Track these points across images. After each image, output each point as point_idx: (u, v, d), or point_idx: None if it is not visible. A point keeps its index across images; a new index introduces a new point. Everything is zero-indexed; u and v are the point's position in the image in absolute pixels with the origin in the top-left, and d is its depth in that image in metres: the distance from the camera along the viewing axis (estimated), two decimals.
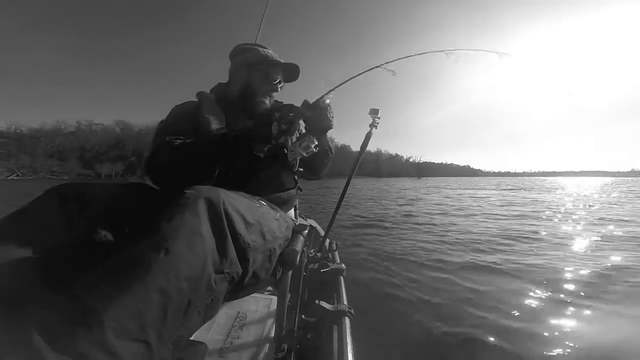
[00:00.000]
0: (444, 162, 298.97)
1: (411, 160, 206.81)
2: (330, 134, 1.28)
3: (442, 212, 8.35)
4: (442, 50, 1.12)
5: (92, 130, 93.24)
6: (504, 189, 22.98)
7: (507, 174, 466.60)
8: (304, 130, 1.05)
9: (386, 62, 1.10)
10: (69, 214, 0.73)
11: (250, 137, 1.00)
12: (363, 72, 1.13)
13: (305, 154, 1.03)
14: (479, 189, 24.41)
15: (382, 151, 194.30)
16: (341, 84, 1.08)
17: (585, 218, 7.13)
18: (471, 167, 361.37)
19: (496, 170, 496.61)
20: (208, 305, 0.63)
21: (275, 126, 0.98)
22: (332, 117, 1.15)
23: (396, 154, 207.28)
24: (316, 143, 1.05)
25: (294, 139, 1.00)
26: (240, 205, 0.77)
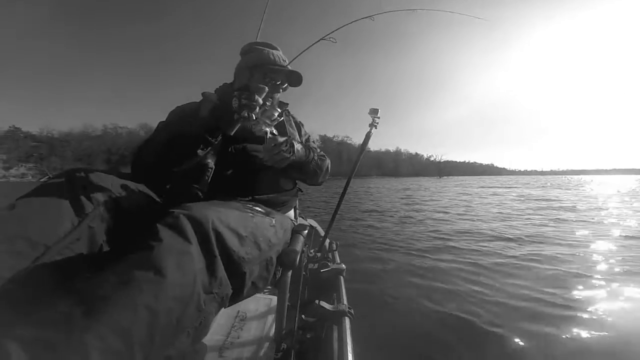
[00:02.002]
0: (467, 161, 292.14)
1: (432, 159, 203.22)
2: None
3: None
4: (369, 16, 1.11)
5: (117, 133, 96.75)
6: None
7: (534, 172, 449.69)
8: (267, 104, 1.06)
9: (328, 33, 1.12)
10: (75, 195, 0.77)
11: (216, 119, 1.01)
12: (306, 49, 1.14)
13: (270, 122, 1.04)
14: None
15: (402, 150, 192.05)
16: (292, 61, 1.11)
17: None
18: (495, 165, 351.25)
19: (522, 169, 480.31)
20: (197, 326, 0.63)
21: (236, 101, 0.98)
22: (290, 151, 1.12)
23: (416, 153, 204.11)
24: (279, 111, 1.06)
25: (257, 111, 1.01)
26: (232, 220, 0.78)
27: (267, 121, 1.03)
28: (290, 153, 1.13)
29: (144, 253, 0.59)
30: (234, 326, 1.21)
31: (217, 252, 0.68)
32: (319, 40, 1.09)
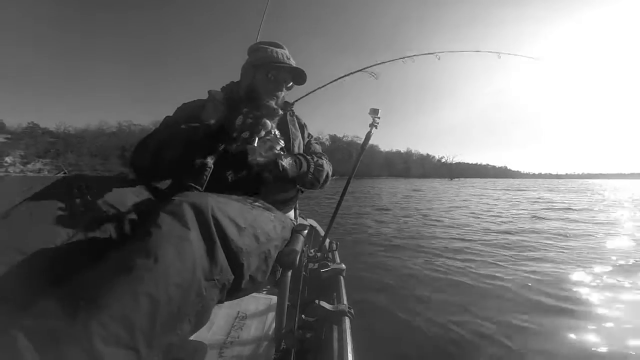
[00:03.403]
0: (479, 163, 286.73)
1: (443, 160, 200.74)
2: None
3: None
4: (432, 53, 1.07)
5: (131, 130, 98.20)
6: None
7: (549, 176, 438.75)
8: (275, 132, 1.01)
9: (369, 66, 1.09)
10: (73, 202, 0.77)
11: (217, 130, 1.00)
12: (345, 75, 1.11)
13: (264, 154, 0.96)
14: None
15: (412, 151, 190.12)
16: (324, 86, 1.08)
17: None
18: (509, 168, 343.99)
19: (536, 172, 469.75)
20: (198, 312, 0.63)
21: (241, 119, 0.96)
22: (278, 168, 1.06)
23: (427, 154, 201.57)
24: (282, 145, 1.01)
25: (262, 135, 0.96)
26: (231, 210, 0.78)
27: (264, 153, 0.97)
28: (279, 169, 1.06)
29: (144, 240, 0.60)
30: (234, 326, 1.22)
31: (216, 238, 0.69)
32: (356, 71, 1.07)
